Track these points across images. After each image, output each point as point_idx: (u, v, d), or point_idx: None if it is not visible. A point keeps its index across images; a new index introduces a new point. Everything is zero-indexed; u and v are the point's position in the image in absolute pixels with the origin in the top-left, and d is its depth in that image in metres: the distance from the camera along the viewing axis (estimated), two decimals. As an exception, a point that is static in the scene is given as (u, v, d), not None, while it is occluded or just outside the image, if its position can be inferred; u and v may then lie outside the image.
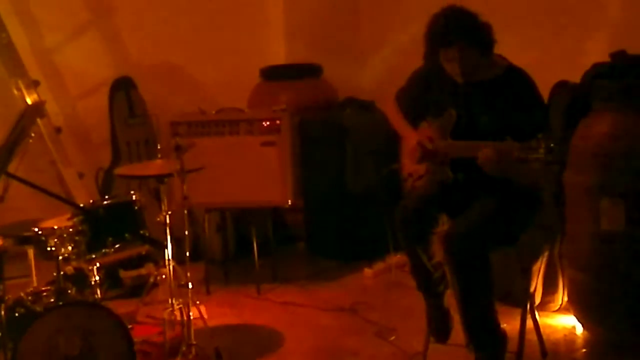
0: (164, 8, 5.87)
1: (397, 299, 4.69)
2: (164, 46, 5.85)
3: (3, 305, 3.30)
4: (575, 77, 4.16)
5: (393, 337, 4.18)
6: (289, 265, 5.39)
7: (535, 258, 3.99)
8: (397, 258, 5.04)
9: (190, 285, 3.95)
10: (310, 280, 5.17)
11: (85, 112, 4.67)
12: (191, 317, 3.89)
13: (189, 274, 3.95)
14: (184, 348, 3.85)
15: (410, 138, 3.75)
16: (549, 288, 4.28)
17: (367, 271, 5.19)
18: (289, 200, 4.96)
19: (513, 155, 3.24)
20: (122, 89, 5.72)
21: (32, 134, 3.39)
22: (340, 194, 5.47)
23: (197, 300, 4.10)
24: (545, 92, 3.94)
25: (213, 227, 5.46)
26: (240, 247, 5.56)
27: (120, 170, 4.43)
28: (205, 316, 4.20)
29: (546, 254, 4.15)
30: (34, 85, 5.16)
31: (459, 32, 3.42)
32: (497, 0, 4.63)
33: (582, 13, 4.63)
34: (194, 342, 3.87)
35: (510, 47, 3.59)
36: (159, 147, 4.20)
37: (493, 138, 3.33)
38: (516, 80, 3.50)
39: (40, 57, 5.55)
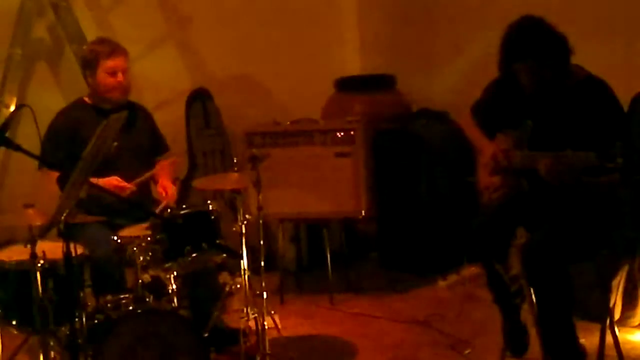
0: (240, 20, 5.92)
1: (472, 312, 4.63)
2: (240, 58, 5.90)
3: (84, 313, 3.36)
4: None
5: (468, 351, 4.13)
6: (362, 276, 5.39)
7: (614, 272, 3.90)
8: (471, 270, 4.98)
9: (264, 295, 3.97)
10: (383, 292, 5.16)
11: (162, 123, 4.75)
12: (265, 327, 3.92)
13: (263, 284, 3.98)
14: (258, 357, 3.88)
15: (487, 151, 3.71)
16: (629, 303, 4.18)
17: (441, 283, 5.15)
18: (363, 211, 4.96)
19: (575, 165, 3.19)
20: (199, 100, 5.81)
21: (115, 144, 3.45)
22: (414, 205, 5.44)
23: (272, 310, 4.13)
24: (626, 102, 3.86)
25: (287, 238, 5.50)
26: (314, 257, 5.58)
27: (198, 184, 4.45)
28: (280, 326, 4.22)
29: (626, 268, 4.06)
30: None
31: (532, 48, 3.40)
32: (577, 9, 4.58)
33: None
34: (269, 352, 3.89)
35: (590, 57, 3.53)
36: (234, 160, 4.23)
37: (571, 148, 3.27)
38: (594, 89, 3.44)
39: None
